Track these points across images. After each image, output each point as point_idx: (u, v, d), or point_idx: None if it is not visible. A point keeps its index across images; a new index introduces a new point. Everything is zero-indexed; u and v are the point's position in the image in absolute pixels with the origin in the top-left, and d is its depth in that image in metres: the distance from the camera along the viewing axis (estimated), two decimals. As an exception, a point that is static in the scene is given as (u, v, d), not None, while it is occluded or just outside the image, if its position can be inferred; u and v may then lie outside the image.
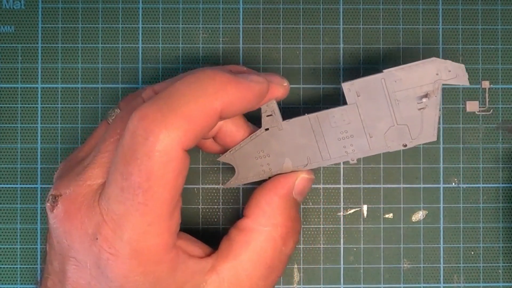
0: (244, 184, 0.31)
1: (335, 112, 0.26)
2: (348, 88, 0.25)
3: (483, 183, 0.31)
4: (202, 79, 0.22)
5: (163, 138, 0.21)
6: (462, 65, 0.25)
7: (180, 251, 0.23)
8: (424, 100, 0.25)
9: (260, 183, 0.27)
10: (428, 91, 0.25)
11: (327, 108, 0.26)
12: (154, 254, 0.22)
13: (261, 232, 0.25)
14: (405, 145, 0.26)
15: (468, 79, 0.25)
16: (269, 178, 0.27)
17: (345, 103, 0.25)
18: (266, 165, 0.26)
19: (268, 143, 0.26)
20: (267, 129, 0.26)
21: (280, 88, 0.25)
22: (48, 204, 0.23)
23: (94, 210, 0.22)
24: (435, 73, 0.25)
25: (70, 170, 0.24)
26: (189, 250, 0.24)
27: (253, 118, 0.27)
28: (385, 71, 0.25)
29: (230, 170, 0.31)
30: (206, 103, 0.22)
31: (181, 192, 0.23)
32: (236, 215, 0.31)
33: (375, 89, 0.25)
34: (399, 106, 0.25)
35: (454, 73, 0.25)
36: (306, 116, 0.26)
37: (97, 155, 0.23)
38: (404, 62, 0.31)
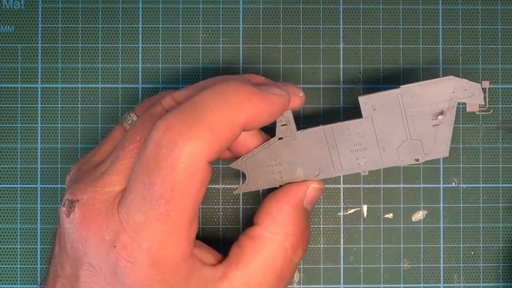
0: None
1: (350, 125, 0.26)
2: (365, 102, 0.26)
3: (483, 183, 0.31)
4: (226, 91, 0.22)
5: (188, 150, 0.21)
6: (478, 85, 0.25)
7: (196, 259, 0.23)
8: (440, 117, 0.25)
9: (269, 190, 0.27)
10: (443, 108, 0.25)
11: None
12: (172, 263, 0.22)
13: (272, 241, 0.25)
14: (417, 160, 0.26)
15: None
16: (280, 186, 0.27)
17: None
18: (278, 173, 0.26)
19: (281, 152, 0.26)
20: (280, 138, 0.26)
21: (296, 99, 0.25)
22: (64, 209, 0.23)
23: (113, 217, 0.22)
24: (452, 91, 0.25)
25: (85, 175, 0.24)
26: (203, 258, 0.24)
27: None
28: (402, 87, 0.25)
29: (230, 171, 0.31)
30: (231, 116, 0.22)
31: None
32: (236, 215, 0.31)
33: (391, 104, 0.25)
34: (414, 121, 0.26)
35: (470, 92, 0.25)
36: (321, 127, 0.26)
37: (116, 161, 0.23)
38: (404, 62, 0.31)
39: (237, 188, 0.27)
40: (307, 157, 0.26)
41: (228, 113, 0.22)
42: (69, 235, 0.23)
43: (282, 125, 0.26)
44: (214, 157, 0.22)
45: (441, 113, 0.25)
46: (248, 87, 0.23)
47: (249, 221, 0.27)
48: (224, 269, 0.24)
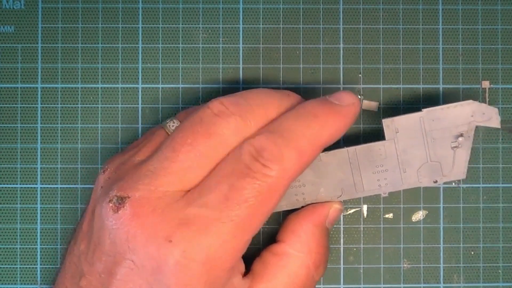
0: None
1: (373, 147, 0.27)
2: (388, 124, 0.27)
3: (483, 183, 0.31)
4: (309, 118, 0.24)
5: (280, 168, 0.23)
6: (496, 109, 0.26)
7: (236, 267, 0.24)
8: (459, 139, 0.26)
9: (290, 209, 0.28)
10: (462, 131, 0.26)
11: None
12: (223, 265, 0.23)
13: (296, 258, 0.26)
14: (436, 181, 0.27)
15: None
16: (301, 207, 0.27)
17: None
18: (301, 194, 0.27)
19: (305, 173, 0.27)
20: None
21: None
22: (111, 204, 0.23)
23: (171, 214, 0.23)
24: (470, 114, 0.26)
25: (131, 173, 0.24)
26: (240, 267, 0.25)
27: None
28: (424, 110, 0.26)
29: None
30: (314, 140, 0.24)
31: None
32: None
33: (413, 127, 0.26)
34: (434, 144, 0.27)
35: (487, 116, 0.26)
36: (345, 149, 0.27)
37: (165, 162, 0.24)
38: (404, 62, 0.31)
39: None
40: (330, 178, 0.27)
41: (311, 138, 0.24)
42: (112, 231, 0.23)
43: None
44: (296, 178, 0.24)
45: (460, 135, 0.26)
46: (325, 110, 0.24)
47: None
48: (250, 281, 0.25)
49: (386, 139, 0.27)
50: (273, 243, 0.27)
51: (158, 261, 0.22)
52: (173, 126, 0.26)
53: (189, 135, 0.24)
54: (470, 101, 0.26)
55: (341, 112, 0.25)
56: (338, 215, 0.28)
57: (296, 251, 0.26)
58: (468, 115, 0.26)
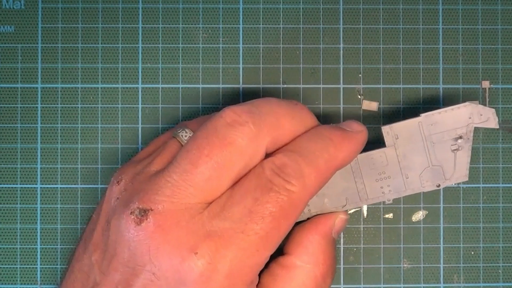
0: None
1: (374, 154, 0.27)
2: (387, 131, 0.27)
3: (483, 183, 0.31)
4: (326, 141, 0.25)
5: (300, 183, 0.23)
6: (493, 110, 0.27)
7: (254, 282, 0.24)
8: (459, 141, 0.27)
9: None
10: (461, 133, 0.27)
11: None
12: (245, 279, 0.23)
13: (304, 269, 0.26)
14: (439, 185, 0.27)
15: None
16: (307, 218, 0.27)
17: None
18: (306, 206, 0.27)
19: None
20: None
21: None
22: (133, 217, 0.23)
23: (195, 226, 0.23)
24: (468, 116, 0.27)
25: (150, 184, 0.24)
26: (256, 282, 0.25)
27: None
28: (422, 115, 0.27)
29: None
30: (330, 161, 0.25)
31: None
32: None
33: (412, 132, 0.27)
34: (434, 148, 0.27)
35: (485, 117, 0.27)
36: None
37: (185, 175, 0.24)
38: (404, 62, 0.31)
39: None
40: (333, 188, 0.27)
41: (328, 159, 0.25)
42: (132, 243, 0.23)
43: None
44: (313, 196, 0.25)
45: (460, 138, 0.27)
46: (339, 134, 0.25)
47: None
48: None
49: (387, 146, 0.27)
50: (280, 255, 0.27)
51: (181, 273, 0.22)
52: (185, 136, 0.26)
53: (205, 146, 0.24)
54: (467, 103, 0.27)
55: (353, 137, 0.25)
56: (343, 225, 0.28)
57: (304, 263, 0.26)
58: (465, 117, 0.27)
